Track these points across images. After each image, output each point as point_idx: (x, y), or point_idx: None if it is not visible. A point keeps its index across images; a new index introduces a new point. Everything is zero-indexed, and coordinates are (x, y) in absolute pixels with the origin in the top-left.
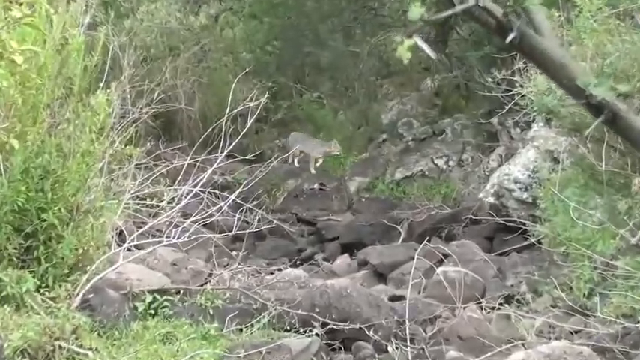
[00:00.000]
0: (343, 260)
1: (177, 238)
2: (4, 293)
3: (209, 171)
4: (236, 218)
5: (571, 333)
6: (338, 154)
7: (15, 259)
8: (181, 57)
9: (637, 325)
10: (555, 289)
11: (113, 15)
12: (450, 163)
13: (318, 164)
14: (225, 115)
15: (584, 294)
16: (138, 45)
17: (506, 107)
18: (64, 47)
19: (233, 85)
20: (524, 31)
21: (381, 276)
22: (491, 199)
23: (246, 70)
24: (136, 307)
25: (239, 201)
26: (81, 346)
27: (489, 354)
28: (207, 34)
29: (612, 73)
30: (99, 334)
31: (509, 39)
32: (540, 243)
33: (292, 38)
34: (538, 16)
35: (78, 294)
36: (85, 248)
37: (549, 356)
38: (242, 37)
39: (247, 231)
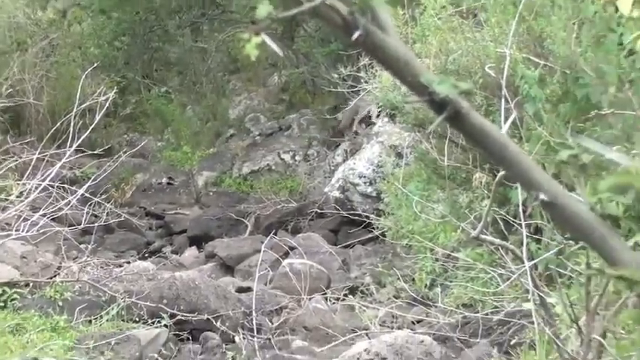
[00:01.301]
0: (191, 253)
1: (27, 231)
2: None
3: (58, 165)
4: (85, 212)
5: (413, 323)
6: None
7: None
8: (29, 51)
9: (476, 314)
10: (398, 281)
11: None
12: (297, 157)
13: None
14: (74, 110)
15: (426, 285)
16: None
17: (352, 103)
18: None
19: (81, 79)
20: (369, 28)
21: (228, 268)
22: (337, 193)
23: (95, 65)
24: None
25: (88, 195)
26: None
27: (334, 343)
28: (55, 29)
29: (455, 70)
30: None
31: (354, 36)
32: (384, 236)
33: (140, 34)
34: (383, 14)
35: None
36: None
37: (392, 345)
38: (90, 32)
39: (96, 224)
